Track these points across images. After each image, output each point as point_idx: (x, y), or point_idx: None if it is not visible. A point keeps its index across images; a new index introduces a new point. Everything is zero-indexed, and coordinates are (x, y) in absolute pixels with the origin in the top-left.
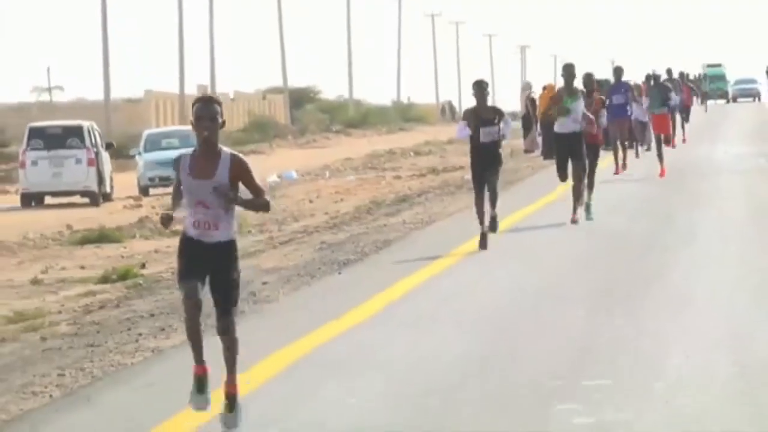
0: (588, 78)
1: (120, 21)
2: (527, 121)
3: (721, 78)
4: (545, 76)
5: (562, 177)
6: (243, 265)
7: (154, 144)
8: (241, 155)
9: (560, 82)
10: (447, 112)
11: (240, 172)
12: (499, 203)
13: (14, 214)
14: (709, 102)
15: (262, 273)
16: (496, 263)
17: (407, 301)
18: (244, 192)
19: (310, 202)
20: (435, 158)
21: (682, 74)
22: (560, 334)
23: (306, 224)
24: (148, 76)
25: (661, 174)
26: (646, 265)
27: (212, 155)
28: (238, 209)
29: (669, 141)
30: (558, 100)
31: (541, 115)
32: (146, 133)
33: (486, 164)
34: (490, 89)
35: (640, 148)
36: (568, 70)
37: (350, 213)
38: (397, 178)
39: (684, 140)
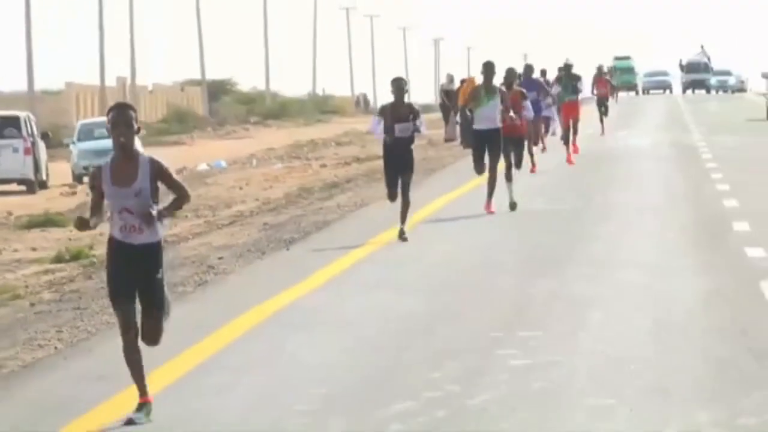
0: (510, 72)
1: (37, 12)
2: (445, 111)
3: (630, 71)
4: (459, 69)
5: (479, 170)
6: (194, 243)
7: (87, 134)
8: (158, 158)
9: (480, 77)
10: (361, 104)
11: (160, 175)
12: (410, 213)
13: None
14: (620, 94)
15: (214, 249)
16: (429, 240)
17: (354, 271)
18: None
19: (240, 189)
20: (356, 148)
21: (600, 67)
22: (495, 297)
23: (239, 209)
24: (65, 68)
25: (569, 160)
26: (567, 237)
27: (130, 161)
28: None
29: (576, 125)
30: (476, 96)
31: (460, 107)
32: (80, 123)
33: (399, 160)
34: (408, 87)
35: (543, 141)
36: (488, 68)
37: (281, 199)
38: (323, 167)
39: (602, 133)
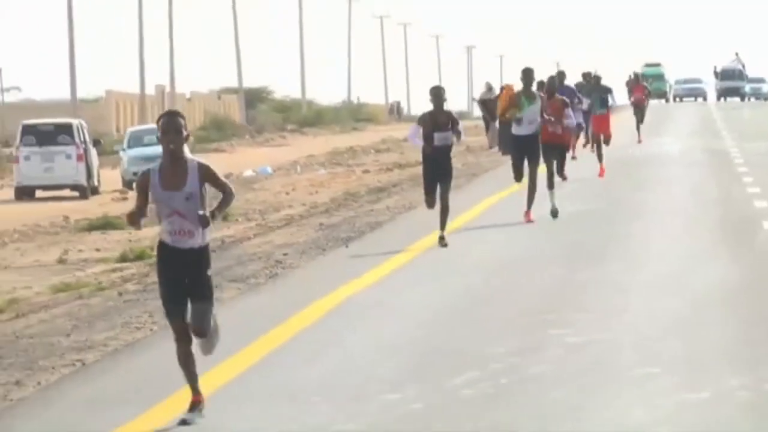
0: (552, 80)
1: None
2: (486, 120)
3: (660, 77)
4: (491, 76)
5: (518, 177)
6: (256, 242)
7: (136, 141)
8: (205, 162)
9: (519, 84)
10: (395, 112)
11: (208, 177)
12: (450, 217)
13: (9, 206)
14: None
15: (277, 247)
16: (474, 239)
17: (410, 265)
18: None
19: (287, 194)
20: (395, 155)
21: (636, 74)
22: (543, 285)
23: (288, 213)
24: (102, 76)
25: (601, 173)
26: (603, 235)
27: (180, 166)
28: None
29: (608, 141)
30: (517, 102)
31: (500, 115)
32: (129, 130)
33: (439, 168)
34: (446, 96)
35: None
36: (527, 75)
37: (327, 203)
38: (366, 173)
39: (639, 140)
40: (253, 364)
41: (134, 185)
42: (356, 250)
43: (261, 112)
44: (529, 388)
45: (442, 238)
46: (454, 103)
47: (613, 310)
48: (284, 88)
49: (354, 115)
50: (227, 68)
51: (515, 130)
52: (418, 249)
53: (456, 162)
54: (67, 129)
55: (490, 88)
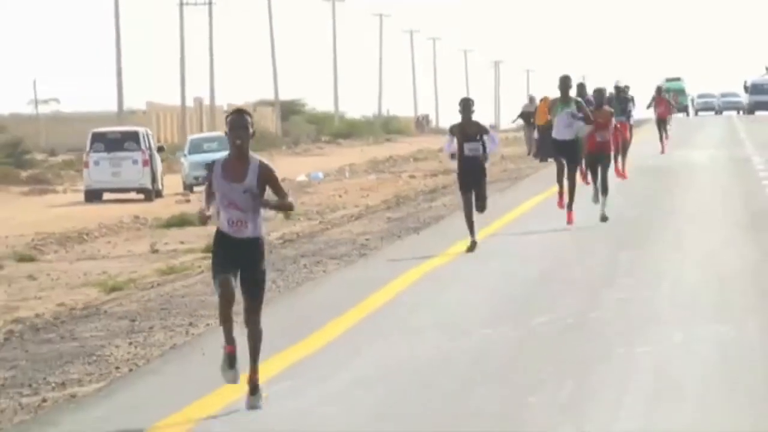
0: (599, 92)
1: (112, 35)
2: (525, 130)
3: (681, 92)
4: (519, 90)
5: (559, 179)
6: (336, 231)
7: (196, 147)
8: (268, 162)
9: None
10: (423, 124)
11: (267, 177)
12: (487, 212)
13: (81, 207)
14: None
15: (356, 235)
16: (535, 224)
17: (480, 246)
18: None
19: (339, 197)
20: (434, 163)
21: (659, 87)
22: (593, 262)
23: (344, 213)
24: (140, 89)
25: (623, 176)
26: (641, 228)
27: (243, 161)
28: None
29: (627, 147)
30: (552, 108)
31: (540, 124)
32: (190, 138)
33: (471, 176)
34: (475, 107)
35: None
36: (564, 82)
37: (380, 205)
38: (412, 178)
39: (662, 151)
40: (372, 311)
41: (206, 175)
42: (426, 236)
43: (294, 124)
44: (590, 329)
45: (473, 244)
46: (481, 117)
47: (654, 279)
48: (317, 101)
49: (385, 127)
50: (262, 81)
51: (554, 134)
52: (481, 235)
53: (496, 169)
54: (133, 136)
55: (531, 100)
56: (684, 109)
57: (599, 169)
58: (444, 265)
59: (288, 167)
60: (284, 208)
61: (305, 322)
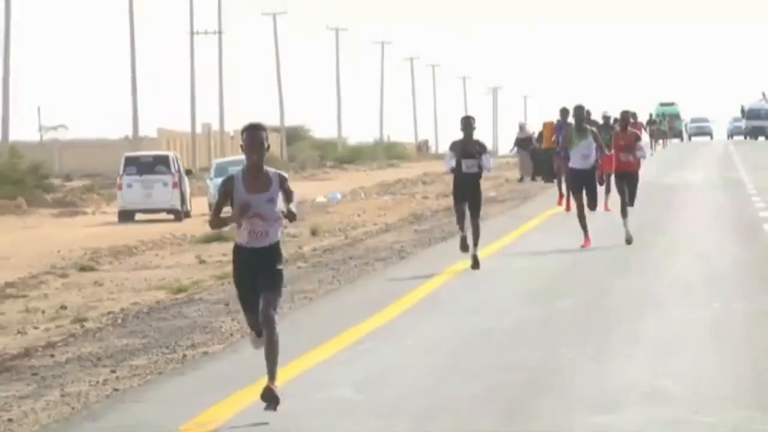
0: (624, 115)
1: (124, 61)
2: (520, 156)
3: (676, 117)
4: (516, 116)
5: (579, 206)
6: (371, 241)
7: (221, 170)
8: (282, 172)
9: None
10: (423, 149)
11: (284, 185)
12: (482, 240)
13: (116, 227)
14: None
15: (390, 243)
16: (552, 233)
17: (506, 249)
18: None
19: (358, 216)
20: (442, 185)
21: (633, 114)
22: (607, 260)
23: (366, 230)
24: (150, 114)
25: (606, 208)
26: (642, 236)
27: (262, 173)
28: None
29: (609, 184)
30: (569, 138)
31: (546, 147)
32: (215, 161)
33: (467, 193)
34: (476, 125)
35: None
36: (578, 113)
37: (398, 223)
38: (425, 198)
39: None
40: (425, 296)
41: (219, 187)
42: (454, 243)
43: (299, 149)
44: (612, 303)
45: (475, 258)
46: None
47: (659, 272)
48: (320, 126)
49: (387, 152)
50: (267, 107)
51: (572, 164)
52: (505, 241)
53: (505, 189)
54: (164, 160)
55: (522, 128)
56: (679, 134)
57: (626, 189)
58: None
59: (300, 191)
60: (294, 202)
61: (371, 305)
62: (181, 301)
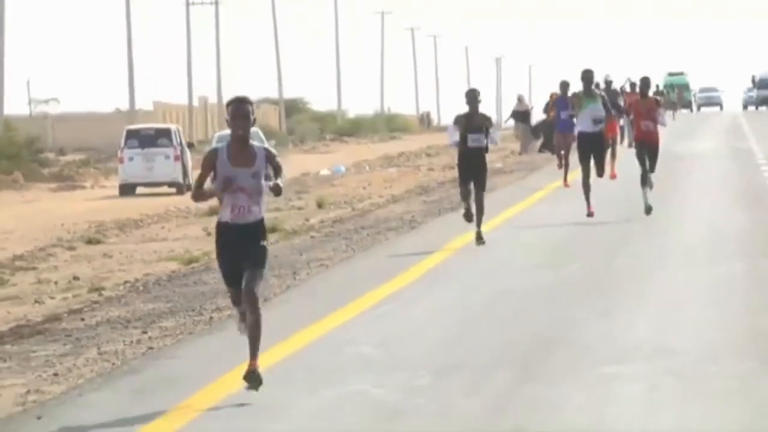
0: (645, 81)
1: (120, 33)
2: (518, 129)
3: (685, 87)
4: (520, 86)
5: (586, 173)
6: (380, 212)
7: (224, 143)
8: (268, 146)
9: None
10: (425, 122)
11: (271, 159)
12: (487, 212)
13: (118, 200)
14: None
15: (400, 214)
16: (559, 203)
17: (513, 220)
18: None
19: (364, 188)
20: (447, 158)
21: (632, 83)
22: (617, 228)
23: (373, 202)
24: (145, 87)
25: (612, 175)
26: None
27: (247, 147)
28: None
29: (614, 148)
30: (577, 102)
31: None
32: (216, 134)
33: (472, 169)
34: (481, 98)
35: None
36: (587, 75)
37: (404, 194)
38: (431, 170)
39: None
40: (440, 261)
41: (202, 160)
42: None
43: (298, 122)
44: (619, 275)
45: (479, 234)
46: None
47: (665, 238)
48: (319, 98)
49: (388, 125)
50: (265, 79)
51: (580, 127)
52: (514, 211)
53: (511, 161)
54: (166, 133)
55: (520, 100)
56: (688, 105)
57: (646, 158)
58: (488, 231)
59: (301, 164)
60: (282, 176)
61: (387, 269)
62: (200, 269)
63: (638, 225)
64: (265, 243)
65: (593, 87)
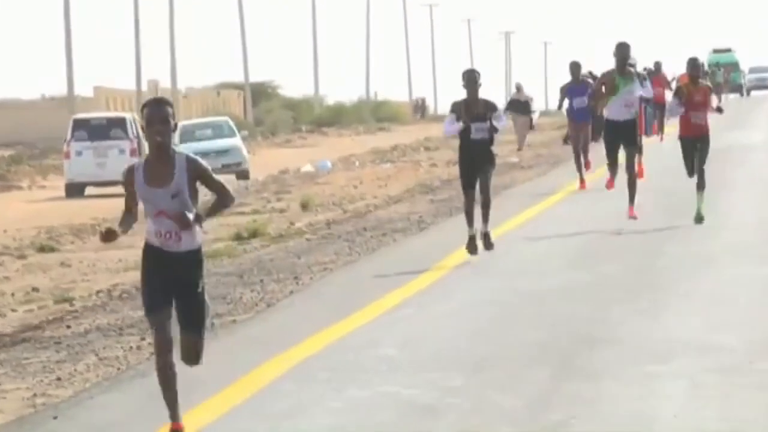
0: (694, 63)
1: (58, 16)
2: (514, 121)
3: (734, 66)
4: (534, 67)
5: (613, 168)
6: (380, 212)
7: (188, 135)
8: (195, 156)
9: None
10: (419, 110)
11: (198, 174)
12: (492, 213)
13: (64, 203)
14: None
15: (405, 215)
16: (586, 201)
17: (534, 220)
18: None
19: (355, 187)
20: (449, 152)
21: (657, 64)
22: (657, 224)
23: (366, 203)
24: (89, 71)
25: (639, 172)
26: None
27: (166, 160)
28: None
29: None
30: (610, 83)
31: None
32: (181, 124)
33: (477, 164)
34: (481, 80)
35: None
36: (623, 50)
37: (401, 195)
38: (434, 166)
39: (661, 139)
40: (463, 261)
41: (123, 179)
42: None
43: (267, 110)
44: (649, 274)
45: (486, 237)
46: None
47: (709, 236)
48: (290, 82)
49: (375, 113)
50: (223, 61)
51: (609, 114)
52: (533, 212)
53: (529, 154)
54: (120, 123)
55: (519, 89)
56: (737, 88)
57: (696, 158)
58: (513, 229)
59: (274, 160)
60: (225, 205)
61: (400, 271)
62: None
63: (680, 223)
64: (202, 286)
65: (629, 65)
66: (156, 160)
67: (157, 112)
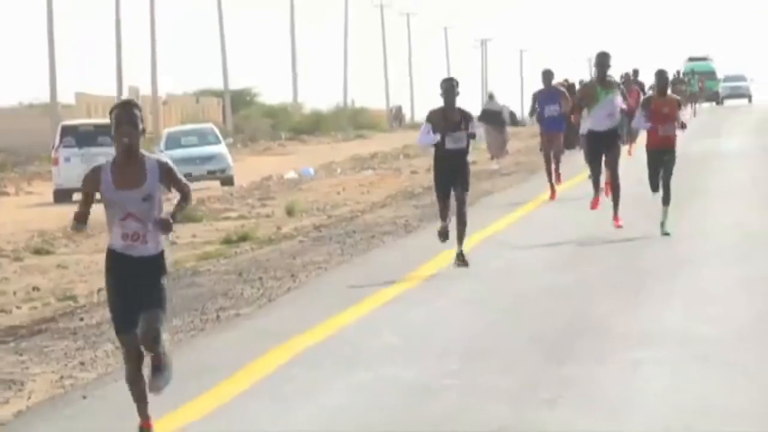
0: (662, 75)
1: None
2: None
3: (710, 75)
4: (510, 75)
5: (596, 179)
6: (368, 216)
7: (174, 142)
8: (166, 159)
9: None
10: (396, 119)
11: (169, 177)
12: (475, 219)
13: (53, 208)
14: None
15: (391, 219)
16: (565, 208)
17: (518, 223)
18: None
19: (338, 194)
20: (429, 159)
21: (635, 71)
22: (636, 227)
23: (350, 209)
24: (71, 78)
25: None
26: (678, 200)
27: (136, 162)
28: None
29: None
30: (591, 93)
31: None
32: (166, 131)
33: (453, 176)
34: (459, 89)
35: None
36: (603, 60)
37: (384, 201)
38: (414, 173)
39: (630, 153)
40: (448, 264)
41: (84, 181)
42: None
43: (246, 118)
44: (643, 277)
45: (460, 255)
46: (465, 106)
47: (687, 239)
48: (269, 89)
49: (353, 121)
50: (204, 69)
51: (591, 124)
52: (518, 215)
53: (507, 162)
54: (108, 130)
55: (491, 98)
56: (714, 96)
57: (662, 171)
58: (497, 233)
59: (256, 168)
60: (185, 206)
61: (392, 270)
62: (190, 272)
63: (657, 230)
64: (164, 281)
65: (608, 75)
66: (124, 162)
67: (125, 115)
